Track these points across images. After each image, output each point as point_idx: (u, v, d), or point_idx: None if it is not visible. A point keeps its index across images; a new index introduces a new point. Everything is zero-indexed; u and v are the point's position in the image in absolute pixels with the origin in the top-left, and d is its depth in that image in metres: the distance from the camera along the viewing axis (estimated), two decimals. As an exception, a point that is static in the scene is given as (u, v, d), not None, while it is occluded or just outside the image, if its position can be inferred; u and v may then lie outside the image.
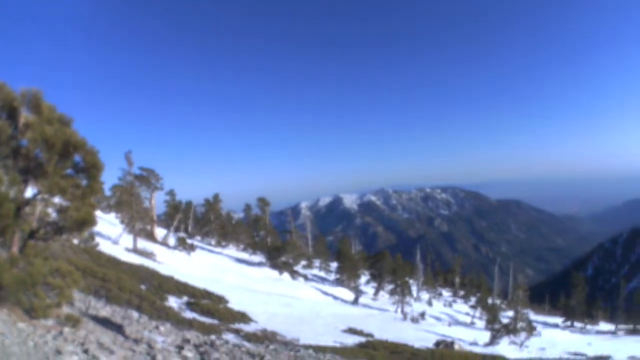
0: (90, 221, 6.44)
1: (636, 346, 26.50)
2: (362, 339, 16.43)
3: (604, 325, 41.31)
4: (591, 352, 23.64)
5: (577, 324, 40.38)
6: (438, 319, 32.65)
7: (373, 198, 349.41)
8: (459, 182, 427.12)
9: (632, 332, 37.03)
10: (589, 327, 39.89)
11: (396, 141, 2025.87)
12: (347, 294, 31.80)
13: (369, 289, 36.24)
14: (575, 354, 22.92)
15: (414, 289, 38.94)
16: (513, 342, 25.02)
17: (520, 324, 26.53)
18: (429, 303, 39.44)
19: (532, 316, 37.14)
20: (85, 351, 5.70)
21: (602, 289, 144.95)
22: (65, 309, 7.00)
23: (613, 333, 36.99)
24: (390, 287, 33.38)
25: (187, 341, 9.31)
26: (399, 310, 30.12)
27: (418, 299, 39.53)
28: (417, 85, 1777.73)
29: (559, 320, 42.54)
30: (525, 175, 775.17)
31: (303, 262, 38.51)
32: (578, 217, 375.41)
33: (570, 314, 41.13)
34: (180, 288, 16.99)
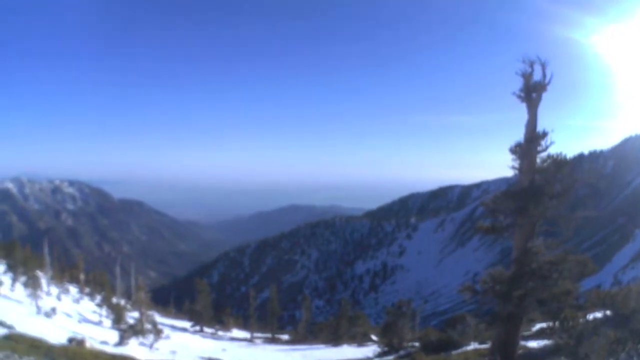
0: None
1: (274, 354, 27.22)
2: (6, 331, 17.32)
3: (238, 333, 41.44)
4: (227, 358, 23.57)
5: (208, 330, 39.61)
6: (69, 315, 31.36)
7: (10, 185, 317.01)
8: (87, 177, 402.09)
9: (271, 340, 38.09)
10: (220, 333, 39.32)
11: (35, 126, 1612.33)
12: (-11, 284, 30.06)
13: (8, 279, 33.48)
14: (210, 359, 22.80)
15: (44, 282, 37.32)
16: (143, 344, 26.09)
17: (146, 326, 26.62)
18: (59, 298, 38.09)
19: (159, 318, 35.86)
20: None
21: (231, 296, 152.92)
22: None
23: (249, 341, 37.21)
24: (23, 279, 31.80)
25: None
26: (34, 303, 28.53)
27: (48, 293, 37.88)
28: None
29: (187, 324, 41.73)
30: (149, 176, 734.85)
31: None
32: (201, 223, 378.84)
33: (198, 318, 40.61)
34: None
